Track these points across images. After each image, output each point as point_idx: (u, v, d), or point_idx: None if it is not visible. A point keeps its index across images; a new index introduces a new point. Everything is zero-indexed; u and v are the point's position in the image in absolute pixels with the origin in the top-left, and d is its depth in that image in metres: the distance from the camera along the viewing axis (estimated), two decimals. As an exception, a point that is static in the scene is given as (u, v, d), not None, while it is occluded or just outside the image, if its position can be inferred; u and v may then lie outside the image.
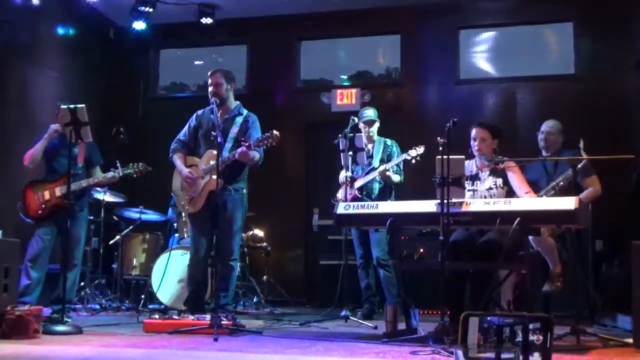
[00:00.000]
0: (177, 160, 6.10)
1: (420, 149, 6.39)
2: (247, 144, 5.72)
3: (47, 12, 8.74)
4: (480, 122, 5.46)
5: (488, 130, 5.39)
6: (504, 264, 4.87)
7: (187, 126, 6.22)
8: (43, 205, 6.00)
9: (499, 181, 5.35)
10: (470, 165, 5.47)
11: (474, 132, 5.41)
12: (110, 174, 6.21)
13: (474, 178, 5.45)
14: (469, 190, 5.36)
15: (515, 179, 5.31)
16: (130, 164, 6.30)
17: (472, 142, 5.43)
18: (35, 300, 5.77)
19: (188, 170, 5.97)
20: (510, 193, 5.26)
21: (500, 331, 3.75)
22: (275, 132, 5.69)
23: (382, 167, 6.59)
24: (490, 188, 5.34)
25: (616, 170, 6.51)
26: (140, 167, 6.33)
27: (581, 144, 5.51)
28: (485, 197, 5.24)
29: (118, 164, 6.22)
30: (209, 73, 6.10)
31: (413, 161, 6.43)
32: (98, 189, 7.33)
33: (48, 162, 6.19)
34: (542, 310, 5.39)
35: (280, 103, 9.74)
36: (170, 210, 8.00)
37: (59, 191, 5.99)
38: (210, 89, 6.01)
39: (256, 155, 5.91)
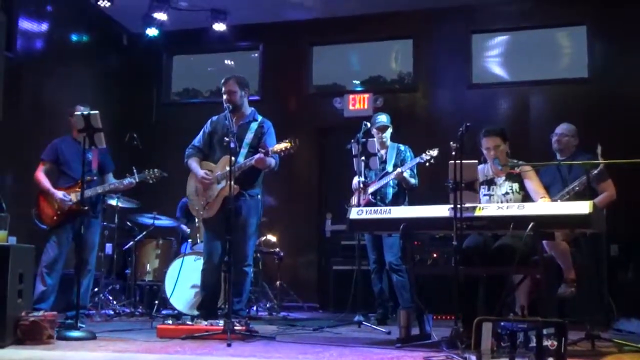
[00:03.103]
0: (193, 163, 6.11)
1: (434, 152, 6.39)
2: (264, 151, 5.73)
3: (60, 19, 8.81)
4: (488, 130, 5.43)
5: (498, 136, 5.37)
6: (518, 269, 4.84)
7: (201, 132, 6.23)
8: (58, 212, 6.04)
9: (516, 186, 5.33)
10: (486, 170, 5.46)
11: (485, 142, 5.38)
12: (127, 180, 6.24)
13: (490, 183, 5.43)
14: (485, 195, 5.34)
15: (531, 184, 5.29)
16: (146, 171, 6.33)
17: (485, 152, 5.40)
18: (50, 306, 5.79)
19: (204, 172, 5.98)
20: (527, 198, 5.24)
21: (514, 336, 3.73)
22: (293, 141, 5.69)
23: (398, 169, 6.59)
24: (507, 193, 5.33)
25: (631, 175, 6.46)
26: (156, 173, 6.36)
27: (599, 150, 5.47)
28: (501, 202, 5.21)
29: (134, 170, 6.25)
30: (222, 80, 6.10)
31: (427, 164, 6.43)
32: (112, 194, 7.36)
33: (61, 169, 6.21)
34: (557, 315, 5.35)
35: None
36: (177, 215, 8.09)
37: (74, 197, 6.02)
38: (224, 96, 6.01)
39: (272, 161, 5.91)
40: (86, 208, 5.75)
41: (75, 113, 5.72)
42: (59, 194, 6.03)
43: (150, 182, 6.35)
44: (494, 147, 5.35)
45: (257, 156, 5.75)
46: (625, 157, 5.10)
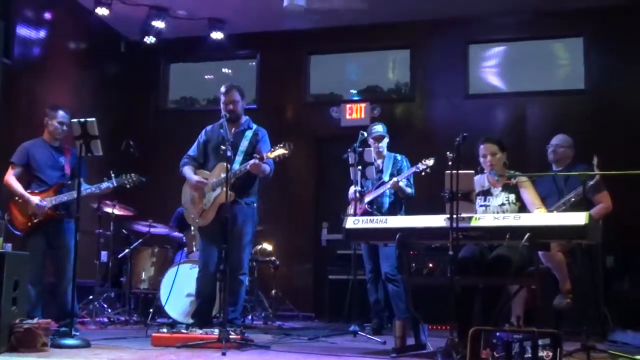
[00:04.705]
0: (187, 170, 6.12)
1: (430, 161, 6.39)
2: (259, 157, 5.74)
3: (58, 26, 8.82)
4: (486, 137, 5.45)
5: (496, 144, 5.39)
6: (514, 280, 4.85)
7: (196, 142, 6.25)
8: (32, 217, 5.98)
9: (512, 197, 5.32)
10: (482, 180, 5.45)
11: (482, 148, 5.39)
12: (104, 185, 6.17)
13: (487, 193, 5.42)
14: (481, 206, 5.34)
15: (527, 195, 5.29)
16: (123, 175, 6.27)
17: (481, 160, 5.41)
18: (39, 317, 5.72)
19: (198, 178, 5.99)
20: (523, 209, 5.24)
21: (509, 347, 3.73)
22: (288, 143, 5.70)
23: (394, 179, 6.60)
24: (503, 204, 5.32)
25: (627, 186, 6.49)
26: (134, 178, 6.30)
27: (595, 161, 5.49)
28: (498, 213, 5.21)
29: (112, 175, 6.21)
30: (223, 89, 6.10)
31: (423, 173, 6.44)
32: (107, 202, 7.34)
33: (32, 173, 6.12)
34: (552, 326, 5.35)
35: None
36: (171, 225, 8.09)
37: (49, 202, 5.97)
38: (229, 106, 6.01)
39: (267, 168, 5.93)
40: (62, 213, 5.70)
41: (73, 121, 5.70)
42: (35, 199, 5.95)
43: (128, 186, 6.30)
44: (490, 154, 5.35)
45: (251, 162, 5.76)
46: (621, 168, 5.12)
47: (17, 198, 6.01)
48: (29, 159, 6.11)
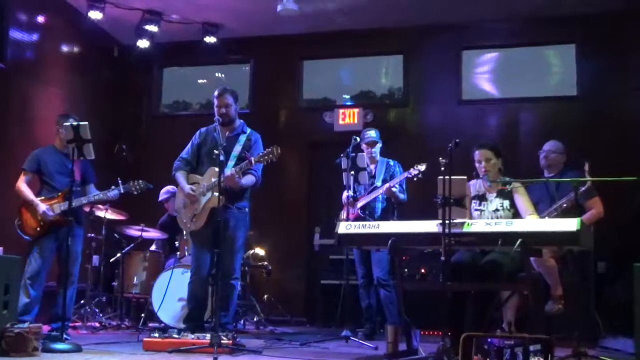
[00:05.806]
0: (180, 178, 6.10)
1: (422, 167, 6.41)
2: (248, 160, 5.74)
3: (51, 29, 8.80)
4: (481, 143, 5.47)
5: (491, 150, 5.40)
6: (506, 285, 4.85)
7: (190, 144, 6.22)
8: (41, 223, 5.99)
9: (506, 203, 5.34)
10: (478, 185, 5.47)
11: (477, 154, 5.41)
12: (111, 192, 6.20)
13: (482, 198, 5.44)
14: (476, 210, 5.36)
15: (520, 200, 5.31)
16: (131, 182, 6.30)
17: (477, 165, 5.43)
18: (33, 318, 5.73)
19: (190, 187, 5.98)
20: (517, 216, 5.25)
21: (500, 353, 3.73)
22: (275, 147, 5.69)
23: (387, 184, 6.61)
24: (497, 210, 5.34)
25: (619, 192, 6.50)
26: (141, 185, 6.33)
27: (587, 167, 5.51)
28: (491, 218, 5.22)
29: (119, 182, 6.22)
30: (216, 93, 6.09)
31: (415, 178, 6.45)
32: (99, 206, 7.32)
33: (43, 180, 6.16)
34: (544, 332, 5.35)
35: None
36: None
37: (57, 208, 5.99)
38: (222, 110, 6.00)
39: (248, 181, 5.90)
40: (71, 219, 5.72)
41: (65, 124, 5.71)
42: (42, 206, 5.99)
43: (135, 193, 6.32)
44: (485, 160, 5.37)
45: (226, 174, 5.68)
46: (613, 174, 5.13)
47: (27, 203, 6.03)
48: (39, 166, 6.16)
